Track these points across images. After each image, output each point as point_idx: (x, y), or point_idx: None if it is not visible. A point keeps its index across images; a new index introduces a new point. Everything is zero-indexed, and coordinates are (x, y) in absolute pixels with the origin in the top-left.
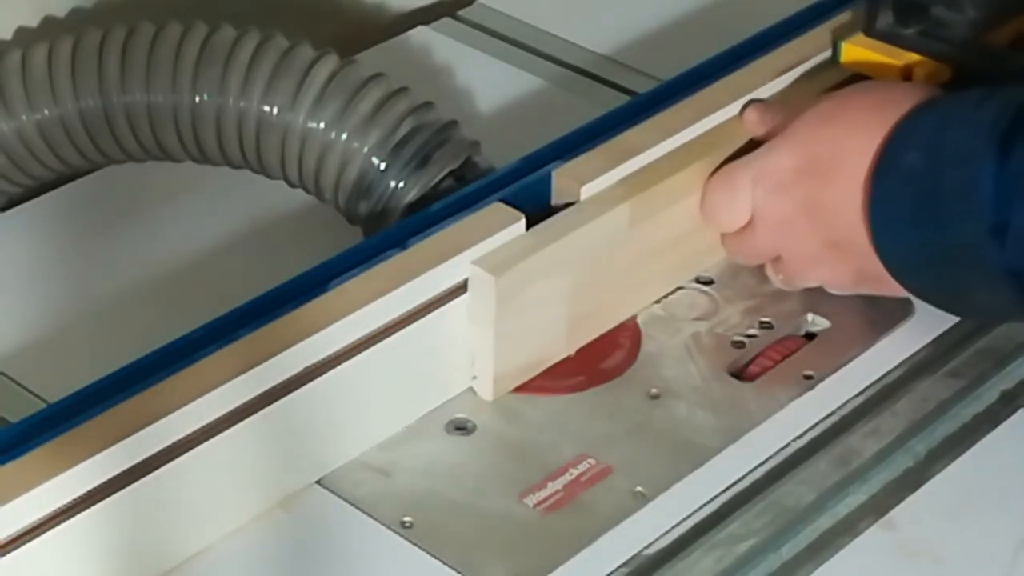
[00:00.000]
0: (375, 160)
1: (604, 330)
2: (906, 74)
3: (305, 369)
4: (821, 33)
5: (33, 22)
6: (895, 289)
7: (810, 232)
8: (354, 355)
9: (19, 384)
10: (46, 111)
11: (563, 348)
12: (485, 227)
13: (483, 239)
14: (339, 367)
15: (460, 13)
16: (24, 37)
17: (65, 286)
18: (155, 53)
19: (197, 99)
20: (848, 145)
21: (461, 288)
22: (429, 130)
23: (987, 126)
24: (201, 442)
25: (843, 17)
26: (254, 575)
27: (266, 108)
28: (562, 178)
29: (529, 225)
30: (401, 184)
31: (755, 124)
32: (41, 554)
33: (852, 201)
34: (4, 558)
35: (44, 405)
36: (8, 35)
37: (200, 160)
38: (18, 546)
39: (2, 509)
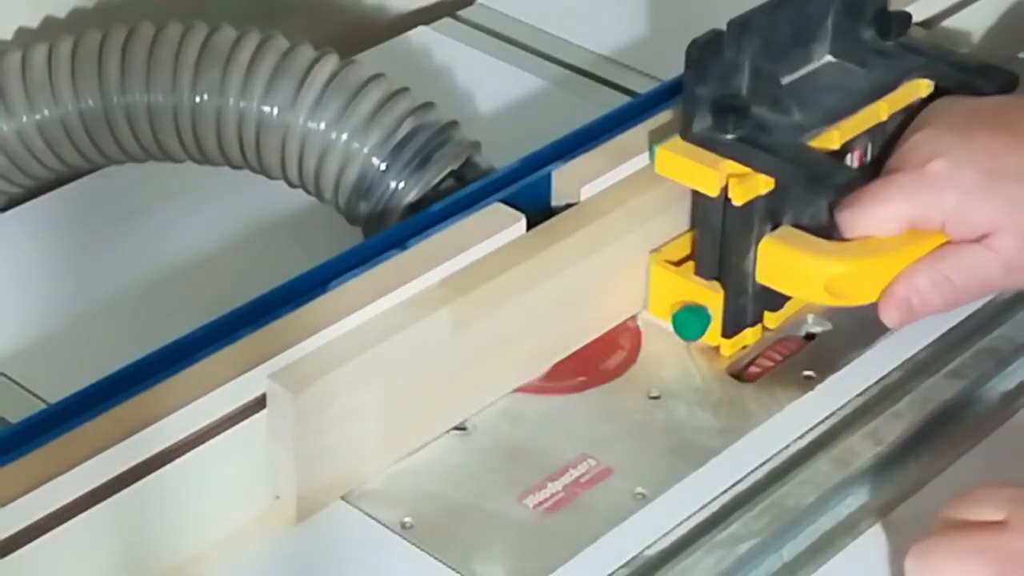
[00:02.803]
0: (375, 160)
1: (428, 439)
2: (723, 184)
3: None
4: None
5: (33, 22)
6: None
7: None
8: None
9: (19, 384)
10: (46, 111)
11: (378, 463)
12: (485, 227)
13: (483, 239)
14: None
15: (460, 13)
16: (24, 37)
17: (65, 286)
18: (155, 53)
19: (197, 99)
20: None
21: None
22: (429, 130)
23: None
24: (201, 443)
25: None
26: (253, 575)
27: (266, 108)
28: (562, 178)
29: (530, 226)
30: (401, 184)
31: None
32: (41, 554)
33: None
34: (4, 558)
35: (44, 405)
36: (8, 35)
37: (200, 160)
38: (18, 546)
39: (2, 509)
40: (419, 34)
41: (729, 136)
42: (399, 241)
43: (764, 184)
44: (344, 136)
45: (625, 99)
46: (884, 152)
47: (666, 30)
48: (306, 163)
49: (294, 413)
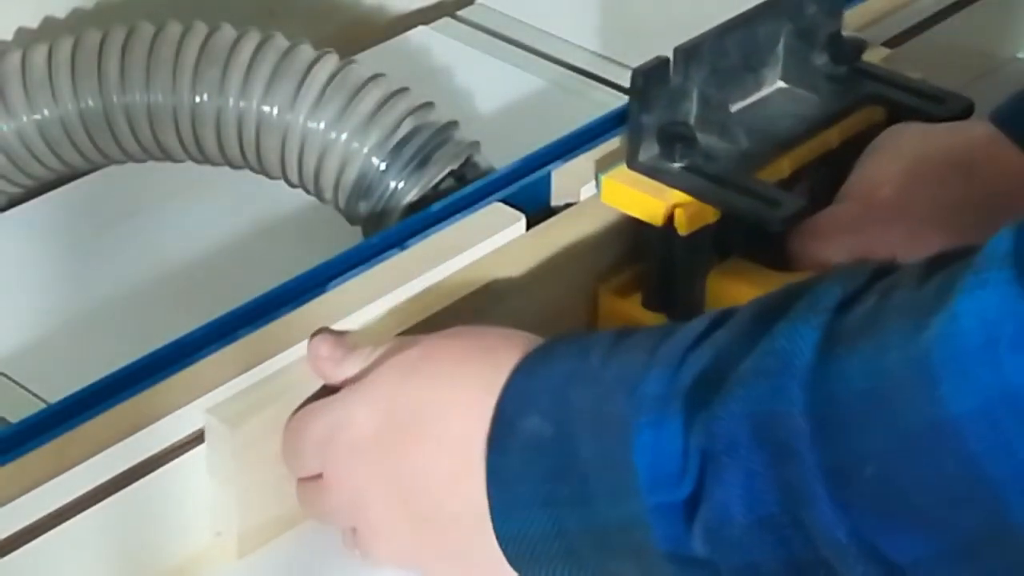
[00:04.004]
0: (375, 160)
1: None
2: (669, 214)
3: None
4: None
5: (33, 22)
6: None
7: (390, 505)
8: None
9: (19, 384)
10: (46, 111)
11: None
12: (485, 227)
13: (483, 239)
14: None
15: (460, 13)
16: (24, 37)
17: (65, 286)
18: (155, 53)
19: (197, 99)
20: (435, 402)
21: None
22: (429, 130)
23: (626, 388)
24: (201, 442)
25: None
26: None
27: (266, 108)
28: (562, 178)
29: (529, 225)
30: (401, 184)
31: (325, 363)
32: (41, 554)
33: (445, 469)
34: (4, 558)
35: (44, 405)
36: (8, 35)
37: (200, 160)
38: (18, 546)
39: (2, 509)
40: (419, 34)
41: (676, 165)
42: (399, 241)
43: (711, 214)
44: (344, 136)
45: (625, 99)
46: (838, 180)
47: (666, 30)
48: (306, 163)
49: (232, 448)
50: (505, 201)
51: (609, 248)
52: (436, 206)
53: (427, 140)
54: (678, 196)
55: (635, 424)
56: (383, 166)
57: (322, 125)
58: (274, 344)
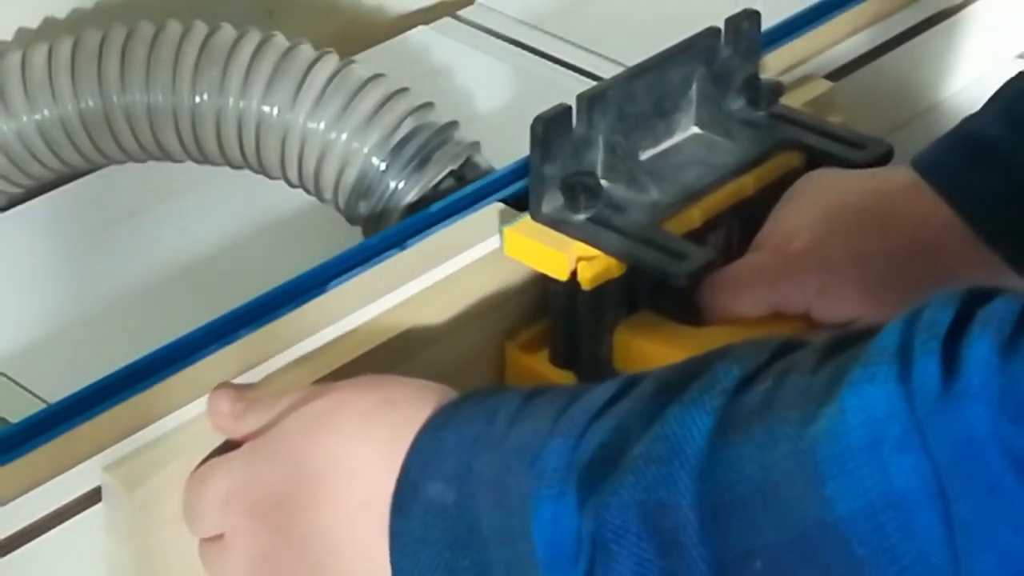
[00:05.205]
0: (375, 160)
1: None
2: (573, 268)
3: None
4: None
5: (33, 22)
6: None
7: (294, 568)
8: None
9: (19, 384)
10: (46, 111)
11: None
12: (485, 227)
13: (483, 239)
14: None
15: (460, 13)
16: (24, 37)
17: (65, 286)
18: (155, 53)
19: (197, 99)
20: (342, 459)
21: None
22: (429, 131)
23: (528, 457)
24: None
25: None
26: None
27: (266, 108)
28: None
29: None
30: (401, 184)
31: (226, 419)
32: (41, 554)
33: (352, 531)
34: (4, 558)
35: (44, 405)
36: (8, 35)
37: (200, 160)
38: (18, 546)
39: (2, 509)
40: (419, 34)
41: (580, 216)
42: (399, 241)
43: (616, 268)
44: (344, 136)
45: None
46: (755, 228)
47: (667, 30)
48: (306, 163)
49: (131, 509)
50: (505, 201)
51: (516, 303)
52: (436, 206)
53: (427, 140)
54: (582, 249)
55: (535, 497)
56: (383, 166)
57: (322, 125)
58: (274, 344)
